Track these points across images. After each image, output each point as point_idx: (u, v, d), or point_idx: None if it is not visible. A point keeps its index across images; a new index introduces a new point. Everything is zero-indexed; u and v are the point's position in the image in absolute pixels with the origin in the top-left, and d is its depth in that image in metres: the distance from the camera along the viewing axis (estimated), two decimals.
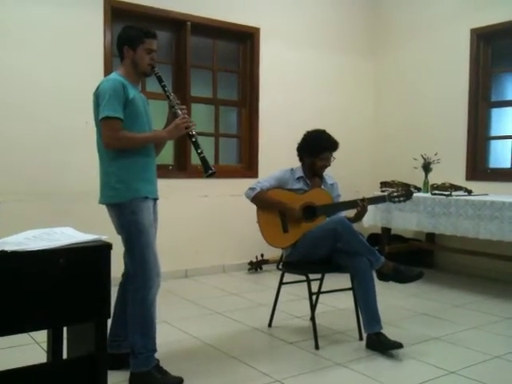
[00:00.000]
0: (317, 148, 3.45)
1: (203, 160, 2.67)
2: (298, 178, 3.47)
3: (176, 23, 5.04)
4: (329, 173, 3.61)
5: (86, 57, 4.47)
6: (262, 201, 3.37)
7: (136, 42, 2.63)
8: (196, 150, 2.69)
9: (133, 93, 2.60)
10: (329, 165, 3.49)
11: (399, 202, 3.44)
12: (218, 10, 5.16)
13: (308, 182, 3.48)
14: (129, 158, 2.58)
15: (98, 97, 2.57)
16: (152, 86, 4.55)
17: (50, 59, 4.32)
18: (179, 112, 2.68)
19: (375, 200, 3.61)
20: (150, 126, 2.74)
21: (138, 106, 2.62)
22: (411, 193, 3.47)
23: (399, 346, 3.02)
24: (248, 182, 3.53)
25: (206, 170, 2.65)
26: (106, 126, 2.52)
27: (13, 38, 4.16)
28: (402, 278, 3.21)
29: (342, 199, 3.57)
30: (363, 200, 3.37)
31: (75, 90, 4.34)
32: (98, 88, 2.60)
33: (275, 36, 5.54)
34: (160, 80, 2.72)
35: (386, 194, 3.47)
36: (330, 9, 5.97)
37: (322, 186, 3.52)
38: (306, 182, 3.48)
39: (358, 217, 3.41)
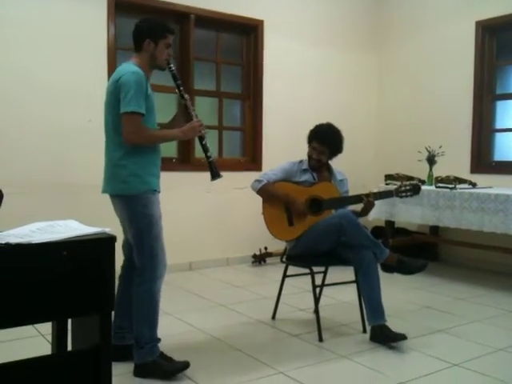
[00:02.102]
0: (308, 136, 3.49)
1: (212, 164, 2.67)
2: (304, 170, 3.46)
3: (180, 16, 5.02)
4: (339, 168, 3.60)
5: (90, 51, 4.46)
6: (268, 193, 3.36)
7: (159, 36, 2.62)
8: (205, 153, 2.70)
9: (150, 88, 2.60)
10: (315, 157, 3.43)
11: (406, 196, 3.42)
12: (222, 3, 5.14)
13: (314, 174, 3.47)
14: (144, 153, 2.58)
15: (119, 87, 2.50)
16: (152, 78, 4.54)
17: (53, 54, 4.31)
18: (193, 114, 2.70)
19: (382, 195, 3.57)
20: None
21: (152, 101, 2.63)
22: (419, 188, 3.44)
23: (403, 337, 3.03)
24: (252, 175, 3.53)
25: (214, 176, 2.67)
26: (129, 121, 2.48)
27: (15, 34, 4.14)
28: (406, 269, 3.22)
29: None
30: (368, 195, 3.34)
31: (78, 85, 4.35)
32: (120, 78, 2.51)
33: (279, 29, 5.52)
34: (175, 78, 2.72)
35: (393, 188, 3.45)
36: (334, 3, 5.93)
37: (332, 181, 3.49)
38: (311, 175, 3.46)
39: (365, 211, 3.38)
